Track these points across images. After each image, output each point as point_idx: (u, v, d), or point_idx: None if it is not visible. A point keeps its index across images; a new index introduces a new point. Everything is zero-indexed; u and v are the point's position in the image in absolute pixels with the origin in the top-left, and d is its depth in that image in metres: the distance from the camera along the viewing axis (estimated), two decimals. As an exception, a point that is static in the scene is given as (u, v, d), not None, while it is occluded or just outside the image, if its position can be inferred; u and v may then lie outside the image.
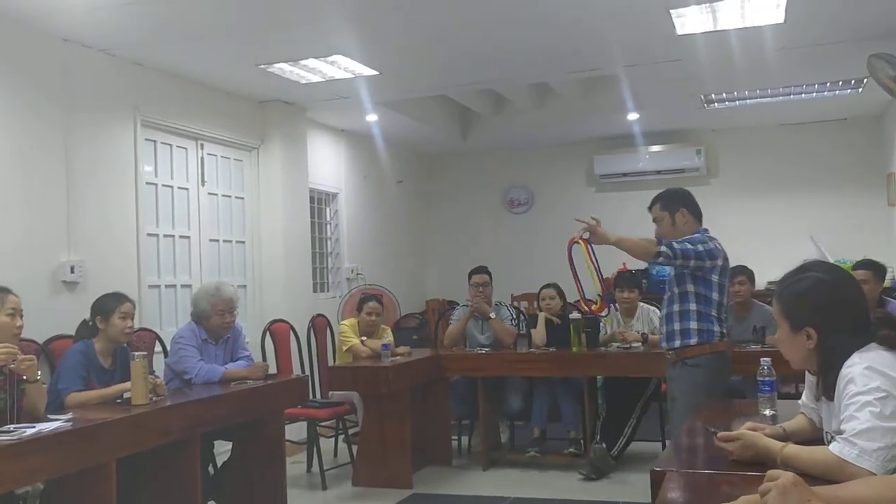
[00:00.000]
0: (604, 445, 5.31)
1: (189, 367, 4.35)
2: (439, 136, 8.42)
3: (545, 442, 5.81)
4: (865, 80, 6.39)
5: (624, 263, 8.65)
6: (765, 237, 8.32)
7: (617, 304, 5.83)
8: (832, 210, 8.20)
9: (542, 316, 5.88)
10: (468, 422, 6.15)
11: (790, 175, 8.36)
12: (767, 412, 2.71)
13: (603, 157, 8.80)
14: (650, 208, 3.92)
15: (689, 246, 3.59)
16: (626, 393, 5.53)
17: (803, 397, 2.29)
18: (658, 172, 8.62)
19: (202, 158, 5.98)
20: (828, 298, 2.03)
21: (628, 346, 5.47)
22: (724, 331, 3.73)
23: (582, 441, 5.64)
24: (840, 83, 6.70)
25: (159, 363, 4.65)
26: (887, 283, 7.27)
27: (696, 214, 3.83)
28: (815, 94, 6.97)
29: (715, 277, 3.67)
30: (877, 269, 5.24)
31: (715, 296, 3.67)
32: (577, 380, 5.62)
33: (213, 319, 4.49)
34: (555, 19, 4.79)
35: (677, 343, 3.69)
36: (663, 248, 3.53)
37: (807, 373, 2.20)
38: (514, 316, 6.14)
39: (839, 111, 7.78)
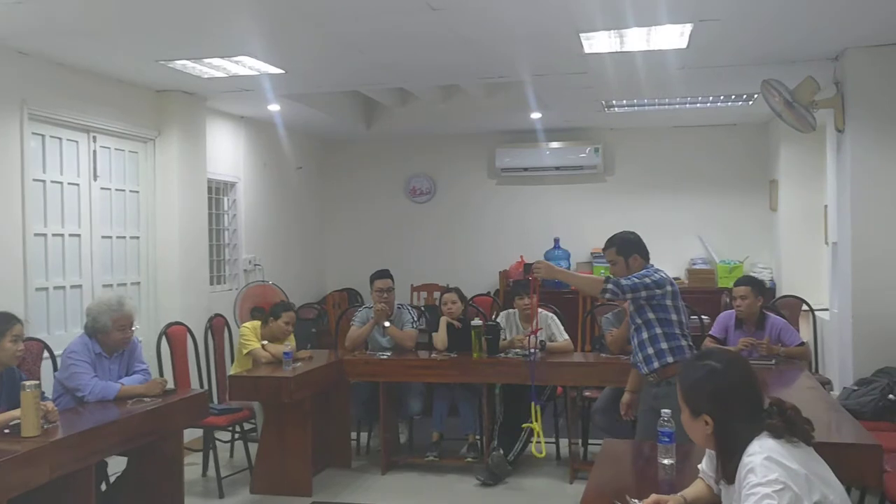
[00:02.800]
0: (501, 451, 5.45)
1: (82, 385, 4.18)
2: (342, 125, 8.30)
3: (444, 443, 5.90)
4: (756, 96, 6.69)
5: (521, 256, 8.82)
6: (656, 235, 8.44)
7: (515, 310, 5.97)
8: (719, 212, 8.58)
9: (443, 320, 5.94)
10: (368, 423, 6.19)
11: (682, 176, 8.67)
12: (666, 461, 2.85)
13: (505, 151, 8.88)
14: (604, 251, 4.22)
15: (637, 280, 3.93)
16: (523, 398, 5.68)
17: (703, 464, 2.42)
18: (557, 168, 8.81)
19: (94, 151, 5.70)
20: (721, 387, 2.15)
21: (527, 353, 5.60)
22: (691, 343, 4.08)
23: (480, 444, 5.77)
24: (733, 97, 6.98)
25: (47, 372, 4.46)
26: (768, 283, 7.75)
27: (646, 256, 4.16)
28: (709, 104, 7.24)
29: (669, 302, 4.00)
30: (755, 285, 5.50)
31: (674, 317, 4.01)
32: (477, 384, 5.73)
33: (114, 335, 4.32)
34: (467, 38, 4.78)
35: (656, 365, 3.99)
36: (609, 286, 3.86)
37: None
38: (416, 318, 6.17)
39: (730, 117, 8.11)
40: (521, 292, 5.93)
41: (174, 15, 4.32)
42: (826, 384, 5.53)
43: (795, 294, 7.08)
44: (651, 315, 4.00)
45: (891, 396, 4.83)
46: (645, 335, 4.02)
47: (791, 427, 2.04)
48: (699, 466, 2.45)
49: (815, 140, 6.72)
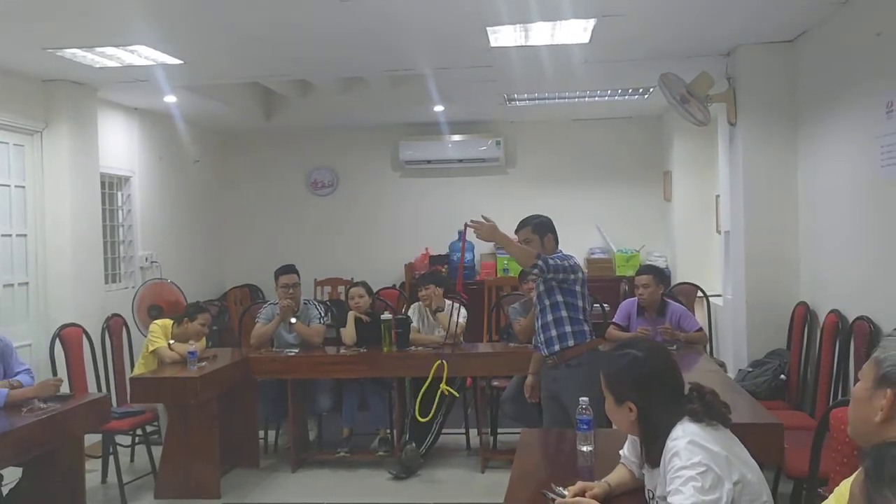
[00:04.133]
0: (413, 445, 5.45)
1: None
2: (241, 117, 8.09)
3: (355, 438, 5.85)
4: (652, 89, 6.91)
5: (426, 248, 8.86)
6: (557, 225, 8.70)
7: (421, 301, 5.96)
8: (617, 202, 8.82)
9: (351, 315, 5.89)
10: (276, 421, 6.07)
11: (580, 167, 8.87)
12: (585, 448, 2.90)
13: (408, 144, 8.86)
14: (518, 231, 4.32)
15: (559, 262, 4.07)
16: (433, 390, 5.69)
17: (625, 450, 2.48)
18: (460, 161, 8.86)
19: (-24, 145, 5.37)
20: (644, 374, 2.23)
21: (437, 346, 5.61)
22: (592, 332, 4.22)
23: (391, 438, 5.75)
24: (630, 91, 7.18)
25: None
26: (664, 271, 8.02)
27: (557, 240, 4.32)
28: (607, 98, 7.43)
29: (578, 288, 4.14)
30: (657, 274, 5.70)
31: (580, 303, 4.15)
32: (387, 378, 5.72)
33: None
34: (374, 31, 4.73)
35: (557, 347, 4.11)
36: (540, 262, 3.96)
37: None
38: (323, 313, 6.09)
39: (626, 111, 8.34)
40: (426, 282, 5.94)
41: (63, 0, 4.10)
42: (722, 366, 5.78)
43: (689, 281, 7.37)
44: (560, 298, 4.11)
45: (782, 377, 5.11)
46: (550, 317, 4.12)
47: (710, 411, 2.12)
48: (621, 452, 2.51)
49: (707, 132, 6.99)
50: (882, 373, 1.61)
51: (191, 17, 4.45)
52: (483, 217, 4.01)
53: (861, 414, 1.66)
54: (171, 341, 5.38)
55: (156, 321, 5.58)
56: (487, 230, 3.96)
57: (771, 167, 5.45)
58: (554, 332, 4.11)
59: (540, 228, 4.27)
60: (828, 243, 4.93)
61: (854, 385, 1.74)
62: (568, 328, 4.09)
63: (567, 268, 4.06)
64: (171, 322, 5.52)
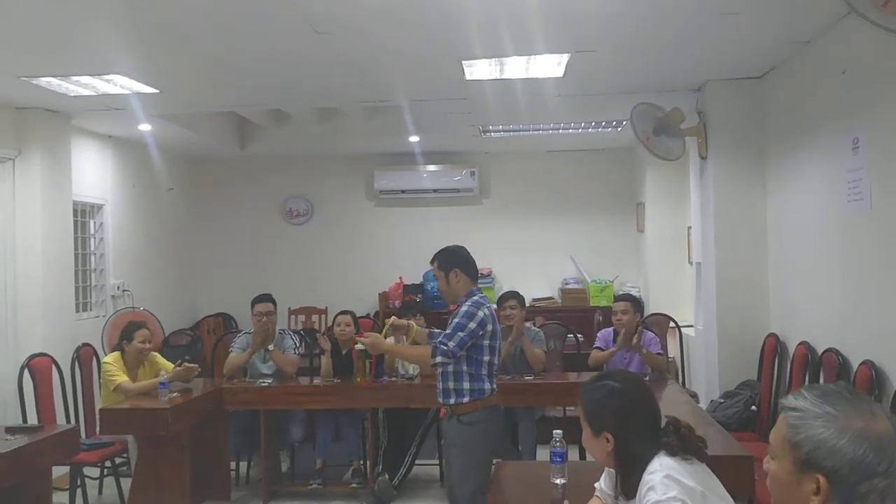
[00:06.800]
0: (387, 476, 5.41)
1: None
2: (216, 145, 8.08)
3: (328, 469, 5.80)
4: (624, 122, 7.00)
5: (400, 277, 8.87)
6: (531, 256, 8.88)
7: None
8: (590, 233, 8.90)
9: (328, 353, 5.77)
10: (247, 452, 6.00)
11: (554, 198, 8.96)
12: (558, 481, 2.92)
13: (383, 173, 8.91)
14: (431, 264, 4.08)
15: (462, 333, 3.77)
16: (407, 421, 5.68)
17: (601, 482, 2.49)
18: (435, 191, 8.91)
19: (-54, 172, 5.31)
20: (621, 406, 2.24)
21: (410, 377, 5.61)
22: (494, 386, 3.92)
23: (364, 469, 5.71)
24: (603, 123, 7.29)
25: None
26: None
27: (470, 273, 4.01)
28: (581, 130, 7.53)
29: (486, 342, 3.87)
30: (634, 302, 5.77)
31: (486, 357, 3.87)
32: (361, 409, 5.69)
33: None
34: (350, 59, 4.76)
35: (452, 400, 3.87)
36: (439, 360, 3.77)
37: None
38: (298, 343, 6.05)
39: (600, 143, 8.45)
40: (405, 312, 5.90)
41: (39, 30, 4.09)
42: (693, 396, 5.83)
43: (662, 312, 7.43)
44: (463, 352, 3.84)
45: (753, 408, 5.16)
46: (451, 367, 3.85)
47: (685, 445, 2.14)
48: (596, 485, 2.52)
49: (678, 165, 7.08)
50: (804, 457, 1.44)
51: (166, 46, 4.47)
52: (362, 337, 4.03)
53: (790, 499, 1.49)
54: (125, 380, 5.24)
55: (106, 358, 5.44)
56: (371, 345, 3.95)
57: (741, 200, 5.54)
58: (451, 385, 3.85)
59: (446, 263, 3.99)
60: (797, 275, 5.01)
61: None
62: (466, 385, 3.83)
63: (475, 331, 3.79)
64: (119, 354, 5.37)
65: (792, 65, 4.99)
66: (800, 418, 1.47)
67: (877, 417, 1.44)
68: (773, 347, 5.22)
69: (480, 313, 3.83)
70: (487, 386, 3.87)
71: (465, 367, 3.83)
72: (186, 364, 5.36)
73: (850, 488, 1.39)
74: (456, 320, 3.82)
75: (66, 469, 5.16)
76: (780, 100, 5.23)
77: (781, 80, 5.20)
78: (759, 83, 5.48)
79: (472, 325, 3.79)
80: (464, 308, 3.85)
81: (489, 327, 3.86)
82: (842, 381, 3.98)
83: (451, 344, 3.76)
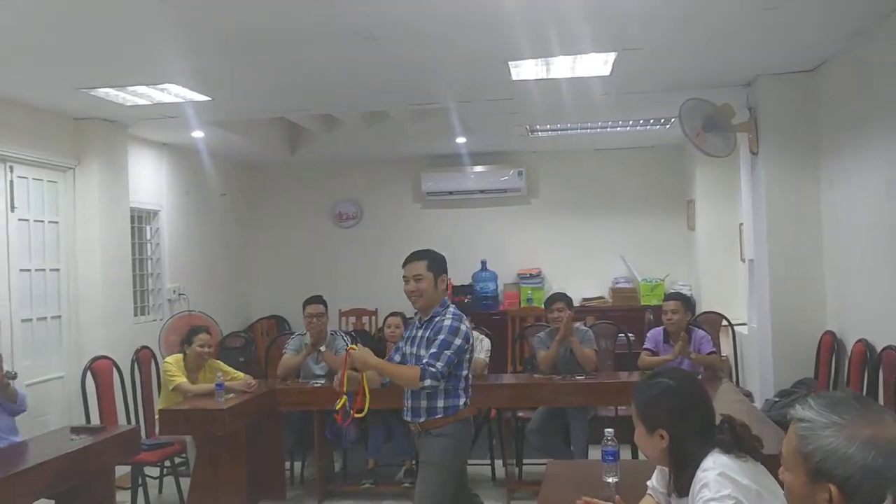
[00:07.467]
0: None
1: None
2: (267, 151, 8.23)
3: (380, 469, 5.86)
4: (673, 119, 6.94)
5: (449, 278, 8.87)
6: (581, 255, 8.83)
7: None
8: (640, 231, 8.81)
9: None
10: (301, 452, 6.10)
11: (603, 197, 8.90)
12: (610, 479, 2.92)
13: (430, 175, 8.96)
14: (406, 264, 3.94)
15: (449, 352, 3.65)
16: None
17: (653, 480, 2.49)
18: (482, 191, 8.92)
19: (11, 182, 5.50)
20: (676, 404, 2.24)
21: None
22: (468, 399, 3.81)
23: (416, 469, 5.75)
24: (651, 121, 7.23)
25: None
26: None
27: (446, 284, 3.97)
28: (629, 128, 7.48)
29: (466, 356, 3.79)
30: (685, 301, 5.72)
31: (464, 372, 3.79)
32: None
33: None
34: (398, 61, 4.82)
35: (422, 419, 3.76)
36: (427, 382, 3.59)
37: None
38: (349, 344, 6.10)
39: (648, 140, 8.37)
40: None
41: (97, 44, 4.24)
42: (748, 395, 5.75)
43: (714, 310, 7.35)
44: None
45: (810, 406, 5.06)
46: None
47: (740, 443, 2.13)
48: (648, 483, 2.52)
49: (729, 161, 6.98)
50: (815, 467, 1.45)
51: (220, 56, 4.57)
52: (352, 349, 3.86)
53: None
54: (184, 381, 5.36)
55: (167, 358, 5.58)
56: (359, 360, 3.73)
57: (793, 195, 5.45)
58: (424, 404, 3.72)
59: (437, 266, 3.90)
60: (853, 272, 4.92)
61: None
62: (440, 403, 3.70)
63: (459, 348, 3.68)
64: (181, 356, 5.51)
65: (845, 58, 4.90)
66: (808, 429, 1.48)
67: (886, 424, 1.44)
68: (830, 345, 5.13)
69: (463, 327, 3.75)
70: (462, 401, 3.76)
71: (441, 384, 3.67)
72: (248, 381, 5.41)
73: (864, 497, 1.40)
74: (441, 336, 3.67)
75: (128, 469, 5.32)
76: (833, 93, 5.14)
77: (834, 74, 5.11)
78: (811, 77, 5.39)
79: (458, 341, 3.69)
80: (447, 322, 3.73)
81: (471, 340, 3.82)
82: (849, 389, 3.91)
83: (440, 365, 3.61)
